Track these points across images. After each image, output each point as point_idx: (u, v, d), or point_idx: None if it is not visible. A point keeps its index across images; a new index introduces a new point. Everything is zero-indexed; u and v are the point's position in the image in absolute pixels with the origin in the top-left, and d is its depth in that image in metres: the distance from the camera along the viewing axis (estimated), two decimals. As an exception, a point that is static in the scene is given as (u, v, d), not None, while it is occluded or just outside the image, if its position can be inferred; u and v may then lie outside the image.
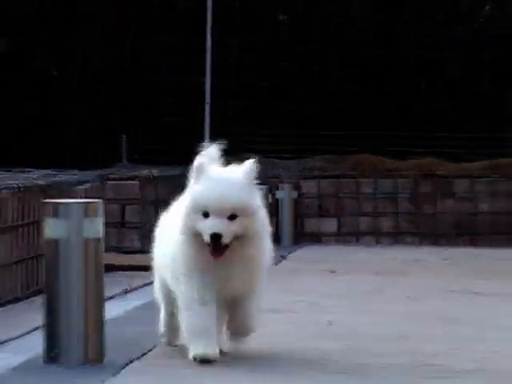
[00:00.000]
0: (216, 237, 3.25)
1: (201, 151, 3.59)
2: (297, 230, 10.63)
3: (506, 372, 3.77)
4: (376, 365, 3.85)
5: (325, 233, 10.86)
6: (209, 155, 3.62)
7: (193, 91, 11.59)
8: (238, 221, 3.32)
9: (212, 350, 3.43)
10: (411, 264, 8.72)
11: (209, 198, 3.34)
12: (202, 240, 3.34)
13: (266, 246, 3.55)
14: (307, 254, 9.84)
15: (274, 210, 9.77)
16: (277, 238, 7.99)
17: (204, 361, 3.41)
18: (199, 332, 3.42)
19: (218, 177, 3.44)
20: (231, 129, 10.45)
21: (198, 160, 3.49)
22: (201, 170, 3.41)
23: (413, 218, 10.78)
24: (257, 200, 3.44)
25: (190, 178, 3.48)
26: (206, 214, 3.32)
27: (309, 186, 10.82)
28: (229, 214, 3.29)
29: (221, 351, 3.55)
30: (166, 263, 3.60)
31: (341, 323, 5.02)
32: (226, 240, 3.27)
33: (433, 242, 10.44)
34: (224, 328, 3.68)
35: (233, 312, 3.56)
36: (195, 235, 3.36)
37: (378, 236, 10.89)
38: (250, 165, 3.42)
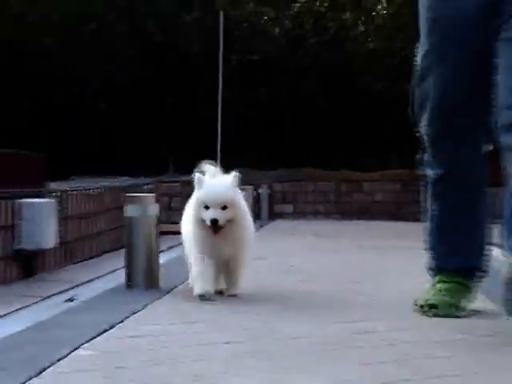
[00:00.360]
0: (214, 221, 4.49)
1: (201, 168, 4.85)
2: (270, 211, 15.27)
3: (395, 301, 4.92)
4: (321, 290, 5.38)
5: (286, 213, 15.84)
6: (207, 170, 4.89)
7: (208, 125, 15.18)
8: (228, 210, 4.54)
9: (208, 288, 4.59)
10: (336, 231, 11.97)
11: (207, 196, 4.60)
12: (206, 224, 4.56)
13: (249, 226, 4.81)
14: (276, 224, 13.96)
15: (256, 199, 14.51)
16: (258, 216, 13.70)
17: (202, 296, 4.55)
18: (200, 277, 4.60)
19: (213, 182, 4.72)
20: (234, 151, 14.81)
21: (197, 174, 4.74)
22: (200, 180, 4.64)
23: (337, 205, 15.67)
24: (239, 196, 4.70)
25: (194, 185, 4.74)
26: (206, 207, 4.56)
27: (277, 186, 15.91)
28: (222, 206, 4.53)
29: (221, 292, 4.78)
30: (187, 237, 4.87)
31: (296, 265, 7.04)
32: (221, 223, 4.51)
33: (349, 219, 14.81)
34: (221, 278, 4.91)
35: (226, 270, 4.78)
36: (201, 221, 4.58)
37: (316, 215, 15.67)
38: (234, 174, 4.66)
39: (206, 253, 4.67)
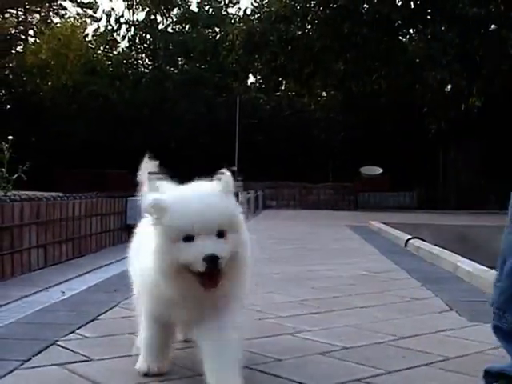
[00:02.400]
0: (213, 259, 2.23)
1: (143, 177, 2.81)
2: (263, 204, 22.10)
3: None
4: (289, 248, 7.67)
5: (272, 205, 24.07)
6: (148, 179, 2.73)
7: (229, 157, 25.07)
8: (228, 237, 2.33)
9: (155, 364, 2.60)
10: (299, 216, 16.81)
11: (189, 216, 2.28)
12: (189, 274, 2.28)
13: (248, 263, 2.54)
14: (266, 212, 18.84)
15: (256, 198, 19.19)
16: (257, 207, 19.26)
17: (145, 374, 2.60)
18: (148, 349, 2.63)
19: (190, 192, 2.46)
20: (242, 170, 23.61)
21: (148, 193, 2.56)
22: (159, 203, 2.35)
23: (300, 201, 25.00)
24: (239, 211, 2.50)
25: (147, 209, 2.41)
26: (188, 238, 2.26)
27: (267, 190, 24.37)
28: (216, 231, 2.29)
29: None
30: (140, 279, 2.65)
31: (278, 235, 9.80)
32: (223, 262, 2.27)
33: (306, 209, 22.33)
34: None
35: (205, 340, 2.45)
36: (180, 268, 2.26)
37: (288, 206, 24.53)
38: (226, 177, 2.45)
39: (175, 319, 2.56)
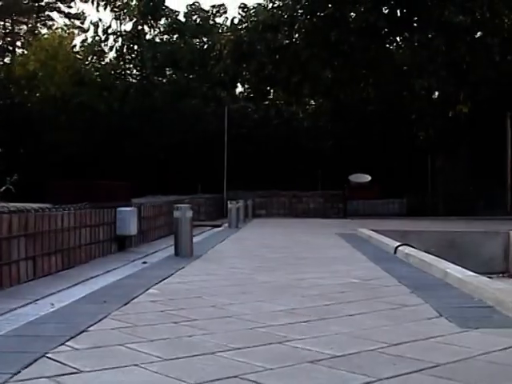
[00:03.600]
0: None
1: None
2: (253, 213, 21.85)
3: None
4: (279, 256, 8.19)
5: (262, 214, 24.14)
6: None
7: (219, 167, 25.64)
8: None
9: None
10: (288, 224, 17.04)
11: None
12: None
13: None
14: (256, 221, 19.23)
15: (246, 207, 18.89)
16: (247, 216, 18.96)
17: None
18: None
19: None
20: (233, 180, 25.03)
21: None
22: None
23: (289, 210, 24.88)
24: None
25: None
26: None
27: (257, 199, 24.30)
28: None
29: None
30: None
31: (268, 244, 10.04)
32: None
33: (296, 217, 22.57)
34: None
35: None
36: None
37: (278, 215, 24.51)
38: None
39: None
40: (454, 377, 2.67)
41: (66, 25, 41.42)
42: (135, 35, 33.68)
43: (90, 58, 34.69)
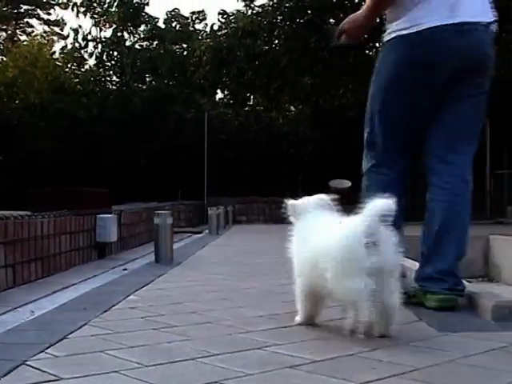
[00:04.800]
0: None
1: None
2: (233, 219, 22.14)
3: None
4: (259, 262, 7.82)
5: (242, 220, 24.32)
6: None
7: (199, 173, 26.03)
8: None
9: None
10: (267, 230, 16.70)
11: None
12: None
13: None
14: (237, 227, 19.44)
15: (226, 213, 18.49)
16: (227, 222, 18.45)
17: None
18: None
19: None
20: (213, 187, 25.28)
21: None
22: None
23: (268, 216, 24.50)
24: None
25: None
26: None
27: (237, 206, 24.49)
28: None
29: None
30: None
31: (248, 249, 9.91)
32: None
33: (275, 224, 20.00)
34: None
35: None
36: None
37: (259, 221, 24.82)
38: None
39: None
40: (434, 381, 2.68)
41: (45, 32, 41.38)
42: (115, 42, 33.62)
43: (69, 65, 34.67)
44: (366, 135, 4.66)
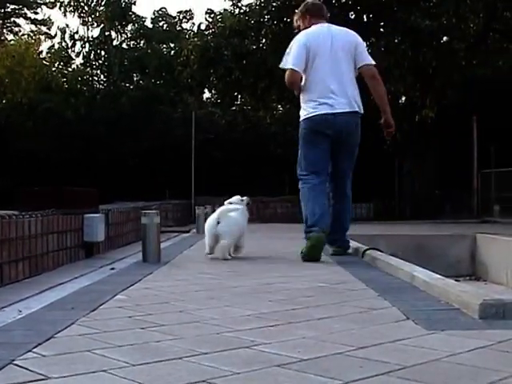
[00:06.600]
0: None
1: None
2: None
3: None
4: (247, 261, 7.83)
5: None
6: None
7: (187, 173, 26.22)
8: None
9: None
10: (256, 229, 15.23)
11: None
12: None
13: None
14: None
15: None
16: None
17: None
18: None
19: None
20: (201, 187, 25.37)
21: None
22: None
23: (257, 215, 23.33)
24: None
25: None
26: None
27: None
28: None
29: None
30: None
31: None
32: None
33: (264, 223, 21.57)
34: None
35: None
36: None
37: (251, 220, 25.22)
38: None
39: None
40: (421, 378, 2.69)
41: (32, 31, 41.19)
42: (102, 41, 33.60)
43: (56, 64, 34.63)
44: (298, 170, 8.29)
